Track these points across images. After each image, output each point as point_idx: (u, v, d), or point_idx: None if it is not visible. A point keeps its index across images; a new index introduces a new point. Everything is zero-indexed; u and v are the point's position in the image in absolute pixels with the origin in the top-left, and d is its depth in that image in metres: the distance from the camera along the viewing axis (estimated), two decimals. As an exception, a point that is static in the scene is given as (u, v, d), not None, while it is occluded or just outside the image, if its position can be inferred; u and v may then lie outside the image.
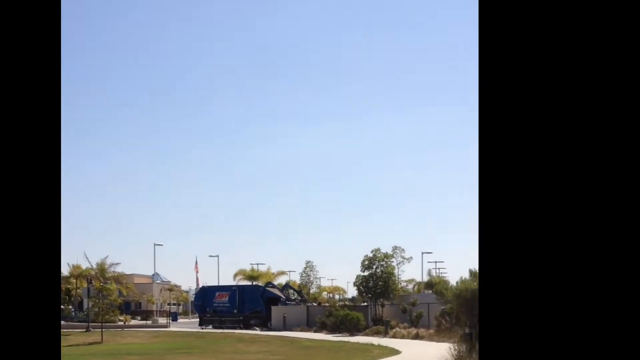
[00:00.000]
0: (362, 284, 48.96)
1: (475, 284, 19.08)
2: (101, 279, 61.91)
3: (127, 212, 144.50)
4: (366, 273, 48.87)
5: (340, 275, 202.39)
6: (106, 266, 64.68)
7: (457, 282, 21.20)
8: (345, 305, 54.10)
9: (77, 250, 66.83)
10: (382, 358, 24.70)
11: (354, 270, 53.14)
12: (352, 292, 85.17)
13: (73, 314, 60.02)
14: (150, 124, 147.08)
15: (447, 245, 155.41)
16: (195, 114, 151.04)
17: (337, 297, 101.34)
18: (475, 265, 20.73)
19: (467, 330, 18.58)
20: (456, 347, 18.12)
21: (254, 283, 70.40)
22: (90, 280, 62.03)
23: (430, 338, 34.66)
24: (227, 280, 79.67)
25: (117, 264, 67.92)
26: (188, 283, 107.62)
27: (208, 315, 59.80)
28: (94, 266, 63.22)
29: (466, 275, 20.25)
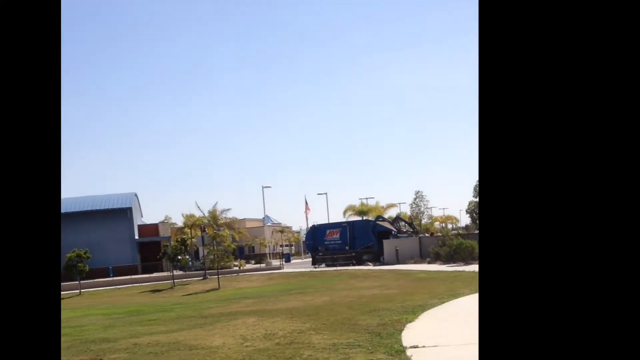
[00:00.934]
0: (474, 210, 48.21)
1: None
2: (214, 226, 63.28)
3: (232, 157, 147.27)
4: (478, 198, 48.11)
5: (452, 204, 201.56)
6: (217, 213, 66.02)
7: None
8: (458, 234, 53.44)
9: (188, 200, 68.29)
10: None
11: (466, 197, 52.62)
12: (465, 220, 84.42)
13: (190, 263, 61.71)
14: (247, 61, 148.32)
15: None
16: (302, 52, 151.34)
17: (449, 226, 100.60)
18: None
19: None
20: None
21: (364, 218, 70.39)
22: (204, 228, 63.42)
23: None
24: (337, 217, 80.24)
25: (228, 209, 69.32)
26: (299, 223, 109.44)
27: (320, 254, 60.25)
28: (206, 214, 64.62)
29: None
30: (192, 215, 69.70)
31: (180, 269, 54.46)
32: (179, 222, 79.06)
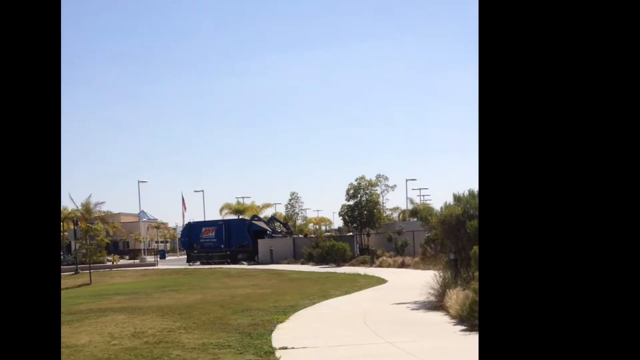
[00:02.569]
0: (347, 213, 48.98)
1: (458, 209, 18.96)
2: (87, 219, 61.72)
3: (108, 150, 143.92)
4: (351, 202, 48.86)
5: (325, 206, 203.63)
6: (91, 206, 64.48)
7: (441, 208, 20.94)
8: (331, 236, 54.25)
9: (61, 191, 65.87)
10: (369, 287, 24.78)
11: (340, 200, 53.36)
12: (338, 222, 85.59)
13: (62, 257, 59.92)
14: (131, 57, 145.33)
15: (431, 172, 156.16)
16: (178, 46, 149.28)
17: (323, 228, 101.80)
18: (458, 190, 20.62)
19: (451, 257, 18.47)
20: (441, 274, 18.04)
21: (240, 217, 70.42)
22: (77, 221, 61.82)
23: (415, 266, 34.87)
24: (214, 215, 79.80)
25: (102, 203, 67.79)
26: (175, 220, 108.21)
27: (195, 252, 59.92)
28: (79, 207, 62.93)
29: (450, 200, 20.01)
30: (64, 208, 67.64)
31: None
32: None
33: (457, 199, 19.46)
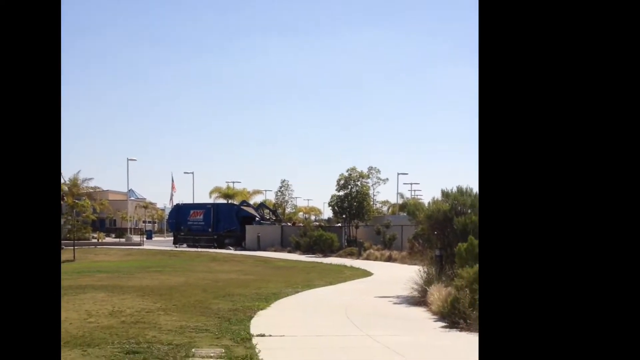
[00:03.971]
0: (337, 204, 48.83)
1: (446, 205, 18.86)
2: (75, 194, 61.45)
3: (99, 125, 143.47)
4: (341, 193, 48.71)
5: (316, 196, 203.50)
6: (79, 181, 64.16)
7: (429, 204, 20.85)
8: (319, 226, 54.21)
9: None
10: (353, 279, 24.73)
11: (330, 190, 53.03)
12: (327, 212, 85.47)
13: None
14: (124, 37, 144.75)
15: (424, 168, 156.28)
16: (170, 28, 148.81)
17: (313, 217, 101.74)
18: (448, 186, 20.49)
19: (437, 253, 18.39)
20: (426, 270, 17.97)
21: (230, 201, 70.23)
22: (63, 196, 61.57)
23: (402, 260, 34.84)
24: (203, 198, 79.64)
25: (91, 179, 67.50)
26: (164, 200, 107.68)
27: (182, 234, 59.76)
28: (67, 181, 62.63)
29: (439, 196, 19.91)
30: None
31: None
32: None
33: (445, 195, 19.36)
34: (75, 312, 13.43)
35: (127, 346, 9.83)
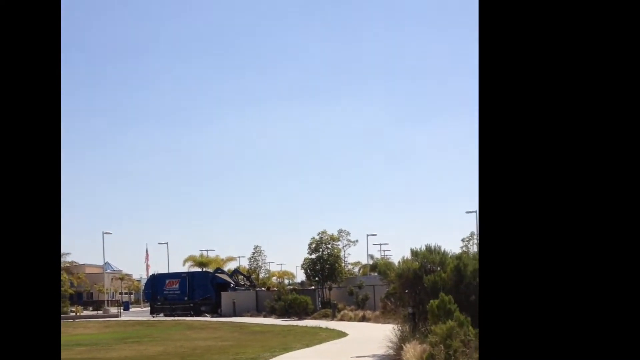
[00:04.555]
0: (309, 266, 49.26)
1: (416, 264, 19.42)
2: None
3: (72, 201, 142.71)
4: (313, 256, 49.15)
5: (289, 260, 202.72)
6: (55, 257, 63.86)
7: (399, 263, 21.40)
8: (293, 289, 54.45)
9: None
10: (329, 341, 25.11)
11: (302, 254, 53.64)
12: (300, 276, 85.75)
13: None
14: (92, 106, 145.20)
15: (391, 227, 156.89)
16: (137, 99, 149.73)
17: (286, 281, 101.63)
18: (415, 245, 21.08)
19: (410, 310, 18.87)
20: (400, 328, 18.45)
21: (204, 269, 70.33)
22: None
23: (376, 320, 35.20)
24: (178, 267, 79.50)
25: (68, 254, 67.31)
26: (139, 271, 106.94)
27: (159, 303, 59.64)
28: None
29: (408, 255, 20.43)
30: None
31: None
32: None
33: (415, 253, 19.95)
34: (62, 384, 13.80)
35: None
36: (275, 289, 61.24)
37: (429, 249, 19.71)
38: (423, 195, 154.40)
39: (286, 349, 21.80)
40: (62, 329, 39.65)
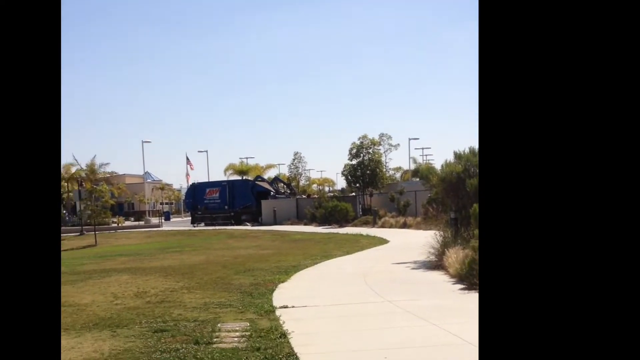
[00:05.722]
0: (350, 173, 48.94)
1: (459, 167, 18.88)
2: (92, 180, 61.71)
3: (113, 110, 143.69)
4: (354, 162, 48.77)
5: (329, 167, 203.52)
6: (96, 167, 64.34)
7: (442, 166, 20.84)
8: (334, 197, 54.32)
9: (65, 151, 65.70)
10: (370, 248, 24.93)
11: (343, 160, 53.32)
12: (341, 183, 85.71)
13: (67, 217, 60.12)
14: (133, 17, 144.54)
15: (434, 132, 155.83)
16: (184, 6, 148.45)
17: (326, 188, 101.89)
18: (460, 147, 20.45)
19: (452, 215, 18.46)
20: (442, 233, 18.09)
21: (244, 178, 70.48)
22: (81, 182, 61.87)
23: (417, 226, 34.98)
24: (218, 175, 79.87)
25: (107, 164, 67.64)
26: (179, 181, 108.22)
27: (199, 213, 60.09)
28: (84, 167, 62.86)
29: (451, 158, 19.84)
30: (68, 167, 66.89)
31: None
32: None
33: (458, 156, 19.36)
34: (101, 295, 13.75)
35: (155, 325, 10.12)
36: (315, 196, 61.22)
37: (472, 151, 19.06)
38: (466, 98, 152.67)
39: (327, 256, 21.64)
40: (105, 240, 40.50)
